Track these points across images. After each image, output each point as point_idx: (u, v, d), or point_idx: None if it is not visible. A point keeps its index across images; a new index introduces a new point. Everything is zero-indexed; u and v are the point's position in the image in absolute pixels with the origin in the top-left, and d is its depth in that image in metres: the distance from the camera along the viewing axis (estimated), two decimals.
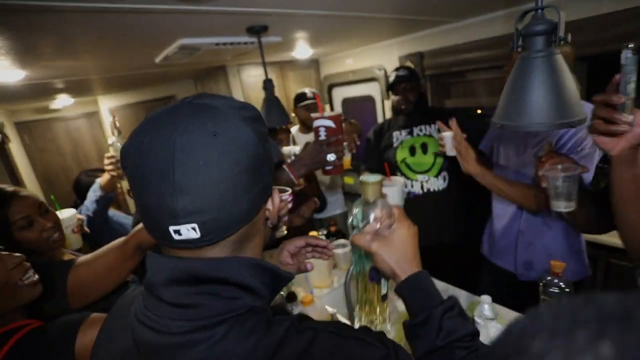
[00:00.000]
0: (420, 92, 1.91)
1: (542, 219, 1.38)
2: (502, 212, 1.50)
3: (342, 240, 1.88)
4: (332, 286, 1.59)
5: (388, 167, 1.34)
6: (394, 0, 1.45)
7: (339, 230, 2.09)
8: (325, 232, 1.98)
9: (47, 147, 4.13)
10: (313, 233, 1.74)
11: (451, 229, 1.94)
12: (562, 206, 0.98)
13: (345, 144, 1.23)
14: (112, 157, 1.53)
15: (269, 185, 0.50)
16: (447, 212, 1.92)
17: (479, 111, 2.37)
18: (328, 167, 1.16)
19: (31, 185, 3.70)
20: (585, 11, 1.60)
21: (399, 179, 1.46)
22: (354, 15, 1.59)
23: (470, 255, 1.78)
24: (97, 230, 1.63)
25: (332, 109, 3.40)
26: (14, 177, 3.27)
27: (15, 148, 3.58)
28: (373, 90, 2.98)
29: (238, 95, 2.89)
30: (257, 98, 2.97)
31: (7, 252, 0.81)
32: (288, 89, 3.14)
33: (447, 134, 1.50)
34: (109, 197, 1.65)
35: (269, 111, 1.55)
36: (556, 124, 0.71)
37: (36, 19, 1.05)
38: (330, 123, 1.13)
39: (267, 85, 1.54)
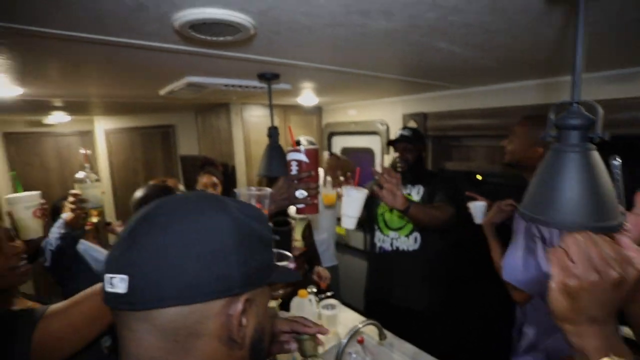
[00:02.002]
0: (419, 155, 1.90)
1: None
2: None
3: (331, 301, 1.75)
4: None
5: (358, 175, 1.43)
6: (401, 63, 1.46)
7: (329, 286, 1.96)
8: (314, 289, 1.85)
9: (31, 161, 3.97)
10: (302, 292, 1.61)
11: (421, 293, 1.89)
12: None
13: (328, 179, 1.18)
14: (77, 195, 1.39)
15: (234, 286, 0.42)
16: (415, 274, 1.88)
17: (479, 177, 2.36)
18: (299, 205, 1.09)
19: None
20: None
21: (364, 189, 1.44)
22: (362, 73, 1.59)
23: (443, 323, 1.81)
24: (65, 267, 1.46)
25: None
26: None
27: None
28: (374, 143, 2.98)
29: (238, 134, 2.85)
30: (256, 138, 2.93)
31: None
32: (289, 135, 3.12)
33: (479, 204, 1.51)
34: (75, 235, 1.48)
35: (271, 159, 1.48)
36: (593, 227, 0.64)
37: (42, 44, 0.99)
38: (303, 157, 1.08)
39: (272, 132, 1.49)
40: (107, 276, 0.40)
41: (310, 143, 2.11)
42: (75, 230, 1.44)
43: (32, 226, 1.24)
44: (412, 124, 2.48)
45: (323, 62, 1.35)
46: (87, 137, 4.24)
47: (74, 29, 0.84)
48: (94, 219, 1.47)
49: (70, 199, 1.37)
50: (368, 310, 2.05)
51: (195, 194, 0.47)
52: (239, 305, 0.43)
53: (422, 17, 0.80)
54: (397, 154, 1.90)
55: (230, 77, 1.55)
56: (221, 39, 0.89)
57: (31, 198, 1.24)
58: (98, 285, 0.84)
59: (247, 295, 0.44)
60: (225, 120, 2.88)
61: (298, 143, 2.22)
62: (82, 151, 1.46)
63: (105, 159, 4.08)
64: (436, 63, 1.38)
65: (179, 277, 0.39)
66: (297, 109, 3.11)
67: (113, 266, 0.41)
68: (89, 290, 0.85)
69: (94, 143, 4.24)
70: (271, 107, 1.53)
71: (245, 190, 1.04)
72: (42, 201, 1.31)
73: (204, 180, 2.14)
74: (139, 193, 1.36)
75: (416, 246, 1.86)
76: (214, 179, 2.22)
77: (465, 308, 2.21)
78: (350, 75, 1.62)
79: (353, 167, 2.38)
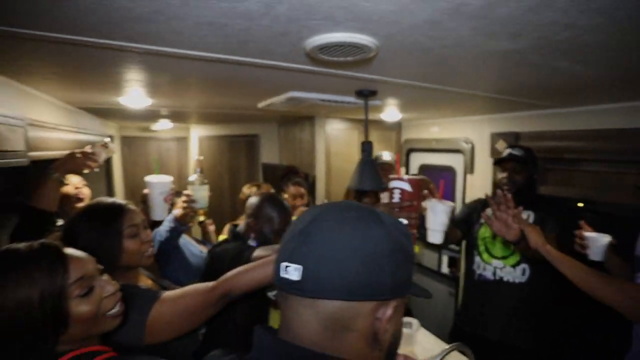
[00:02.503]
0: (530, 177, 1.77)
1: None
2: None
3: (408, 318, 1.72)
4: None
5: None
6: (505, 82, 1.41)
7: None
8: None
9: (139, 162, 4.59)
10: None
11: (527, 330, 1.70)
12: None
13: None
14: (189, 195, 1.54)
15: (385, 293, 0.47)
16: (522, 309, 1.70)
17: (579, 204, 2.14)
18: None
19: (118, 194, 4.09)
20: None
21: (450, 203, 1.39)
22: (456, 91, 1.58)
23: None
24: (166, 256, 1.66)
25: (407, 172, 3.34)
26: (110, 184, 3.63)
27: (116, 158, 4.03)
28: (456, 162, 2.88)
29: (321, 146, 2.98)
30: (336, 151, 3.04)
31: (107, 277, 0.81)
32: None
33: (603, 239, 1.35)
34: (181, 230, 1.64)
35: (363, 173, 1.53)
36: None
37: (180, 64, 1.16)
38: (406, 186, 1.07)
39: (366, 147, 1.54)
40: (283, 264, 0.47)
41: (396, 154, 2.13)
42: (182, 226, 1.64)
43: (161, 209, 1.43)
44: (502, 145, 2.36)
45: (420, 79, 1.38)
46: (182, 142, 4.78)
47: (220, 51, 0.99)
48: (201, 218, 1.65)
49: (183, 198, 1.55)
50: (453, 339, 1.92)
51: (353, 204, 0.53)
52: (389, 311, 0.47)
53: (552, 38, 0.79)
54: (503, 174, 1.77)
55: (328, 92, 1.65)
56: (342, 59, 0.97)
57: (165, 185, 1.42)
58: (201, 285, 0.99)
59: (395, 302, 0.48)
60: (308, 132, 3.03)
61: (379, 158, 2.25)
62: (196, 157, 1.66)
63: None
64: (545, 82, 1.32)
65: (344, 275, 0.45)
66: (377, 124, 3.15)
67: (288, 257, 0.47)
68: (196, 286, 0.99)
69: (188, 148, 4.76)
70: (366, 122, 1.59)
71: None
72: (173, 187, 1.49)
73: (292, 191, 2.25)
74: (253, 199, 1.49)
75: (524, 279, 1.70)
76: (302, 190, 2.31)
77: (578, 350, 1.98)
78: (442, 92, 1.62)
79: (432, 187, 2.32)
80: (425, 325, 2.15)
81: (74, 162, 1.42)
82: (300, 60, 1.04)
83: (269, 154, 3.85)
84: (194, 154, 4.58)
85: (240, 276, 0.96)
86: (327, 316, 0.46)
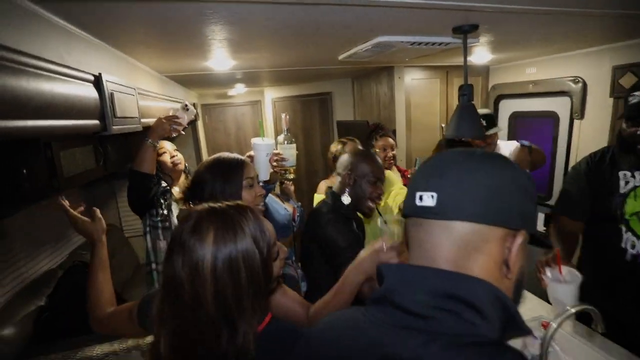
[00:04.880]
0: None
1: None
2: None
3: None
4: None
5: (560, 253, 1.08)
6: None
7: None
8: None
9: (218, 127, 4.88)
10: None
11: None
12: None
13: None
14: (279, 154, 1.55)
15: (513, 221, 0.50)
16: None
17: None
18: None
19: (204, 157, 4.43)
20: None
21: (577, 274, 1.14)
22: (570, 11, 1.29)
23: None
24: None
25: (495, 123, 3.01)
26: (197, 149, 3.93)
27: (199, 125, 4.32)
28: (560, 106, 2.50)
29: (400, 98, 2.82)
30: (417, 102, 2.85)
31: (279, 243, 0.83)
32: (451, 98, 2.92)
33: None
34: (269, 189, 1.66)
35: (462, 119, 1.40)
36: None
37: (238, 12, 1.11)
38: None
39: (466, 90, 1.40)
40: (417, 194, 0.52)
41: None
42: (268, 185, 1.69)
43: (265, 169, 1.49)
44: (630, 79, 1.96)
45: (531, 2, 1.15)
46: (256, 106, 4.93)
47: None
48: (291, 176, 1.68)
49: (274, 157, 1.59)
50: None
51: (477, 150, 0.56)
52: (518, 240, 0.50)
53: None
54: (633, 129, 1.35)
55: (420, 34, 1.49)
56: None
57: (270, 147, 1.47)
58: (302, 307, 1.02)
59: (522, 235, 0.51)
60: (386, 85, 2.87)
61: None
62: (283, 116, 1.65)
63: (272, 124, 4.67)
64: None
65: (477, 201, 0.49)
66: (459, 69, 2.85)
67: (422, 186, 0.52)
68: (295, 306, 1.02)
69: (262, 111, 4.89)
70: (465, 64, 1.42)
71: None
72: (276, 151, 1.54)
73: (380, 143, 2.21)
74: (345, 157, 1.49)
75: None
76: (390, 141, 2.26)
77: None
78: (556, 17, 1.35)
79: (544, 160, 2.03)
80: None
81: (162, 127, 1.56)
82: None
83: (343, 111, 3.77)
84: (269, 116, 4.70)
85: (328, 309, 0.97)
86: (460, 237, 0.49)
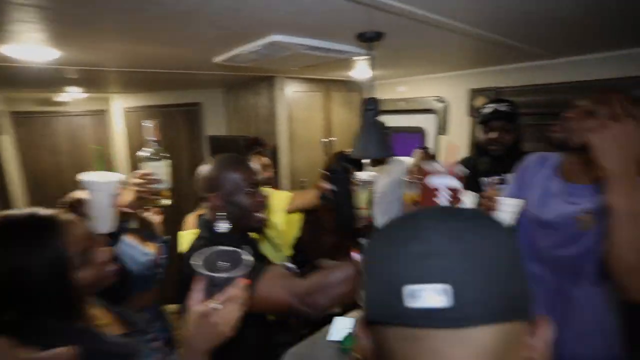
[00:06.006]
0: (518, 136, 1.64)
1: None
2: None
3: None
4: None
5: None
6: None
7: None
8: None
9: (42, 144, 3.67)
10: None
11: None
12: None
13: None
14: (148, 174, 1.14)
15: (528, 308, 0.37)
16: None
17: None
18: None
19: (18, 184, 3.23)
20: None
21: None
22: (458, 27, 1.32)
23: None
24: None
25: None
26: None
27: (7, 141, 3.13)
28: (426, 122, 2.73)
29: (282, 112, 2.59)
30: (298, 116, 2.67)
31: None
32: (331, 111, 2.87)
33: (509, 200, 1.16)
34: (123, 229, 1.18)
35: (369, 137, 1.24)
36: None
37: None
38: (457, 184, 0.81)
39: (372, 105, 1.24)
40: (407, 288, 0.34)
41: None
42: (123, 223, 1.17)
43: (108, 216, 0.99)
44: (481, 101, 2.23)
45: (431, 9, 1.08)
46: (101, 117, 3.94)
47: None
48: (166, 201, 1.22)
49: (137, 180, 1.12)
50: None
51: (452, 207, 0.47)
52: (545, 333, 0.38)
53: None
54: (492, 135, 1.61)
55: (321, 37, 1.28)
56: None
57: (112, 185, 1.00)
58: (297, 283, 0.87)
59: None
60: (266, 96, 2.60)
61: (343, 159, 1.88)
62: (148, 123, 1.19)
63: (125, 139, 3.80)
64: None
65: (504, 290, 0.35)
66: (339, 85, 2.84)
67: (415, 272, 0.34)
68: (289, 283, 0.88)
69: (110, 123, 3.94)
70: (372, 75, 1.27)
71: None
72: (144, 171, 1.10)
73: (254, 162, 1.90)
74: (204, 169, 1.10)
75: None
76: (265, 160, 1.98)
77: None
78: (449, 31, 1.35)
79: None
80: None
81: None
82: None
83: (216, 125, 3.31)
84: (119, 129, 3.81)
85: (326, 292, 0.84)
86: (484, 350, 0.34)
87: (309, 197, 1.60)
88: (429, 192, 0.83)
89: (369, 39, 1.22)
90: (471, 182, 1.57)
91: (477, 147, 1.73)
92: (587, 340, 1.09)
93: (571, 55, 1.82)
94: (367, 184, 1.53)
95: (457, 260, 0.34)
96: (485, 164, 1.68)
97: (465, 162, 1.73)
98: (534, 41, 1.56)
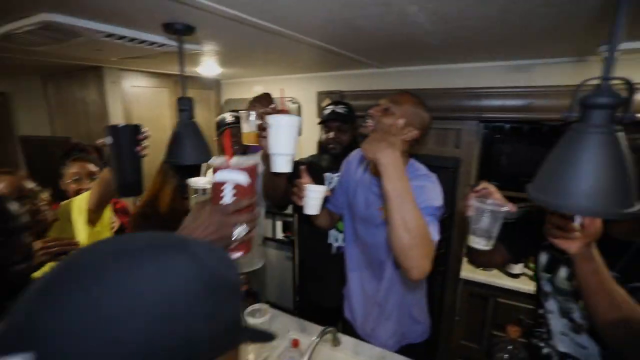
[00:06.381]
0: (353, 136, 1.77)
1: None
2: None
3: (257, 305, 1.46)
4: None
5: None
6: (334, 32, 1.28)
7: (253, 292, 1.70)
8: None
9: None
10: None
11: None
12: (481, 243, 0.92)
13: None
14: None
15: (201, 352, 0.34)
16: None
17: None
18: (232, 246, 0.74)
19: None
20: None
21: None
22: (290, 34, 1.34)
23: None
24: None
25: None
26: None
27: None
28: None
29: (117, 109, 2.23)
30: (141, 116, 2.36)
31: None
32: None
33: (315, 187, 1.18)
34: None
35: (183, 141, 1.13)
36: (614, 213, 0.61)
37: None
38: (242, 178, 0.71)
39: (186, 104, 1.13)
40: None
41: (236, 118, 1.75)
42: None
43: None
44: (327, 102, 2.35)
45: (248, 10, 1.04)
46: None
47: None
48: None
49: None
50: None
51: (143, 234, 0.36)
52: None
53: None
54: (330, 134, 1.70)
55: (119, 23, 1.09)
56: None
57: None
58: None
59: None
60: (95, 90, 2.20)
61: (223, 121, 1.79)
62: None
63: None
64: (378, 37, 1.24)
65: (118, 345, 0.28)
66: (194, 81, 2.62)
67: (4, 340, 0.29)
68: None
69: None
70: (182, 72, 1.15)
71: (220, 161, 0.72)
72: None
73: (73, 170, 1.55)
74: None
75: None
76: (89, 167, 1.61)
77: None
78: (271, 34, 1.33)
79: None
80: (268, 292, 2.01)
81: None
82: None
83: (33, 123, 2.67)
84: None
85: None
86: None
87: (103, 177, 1.26)
88: (216, 190, 0.73)
89: (179, 32, 1.10)
90: (317, 178, 1.67)
91: (320, 145, 1.85)
92: (395, 316, 1.28)
93: (399, 66, 2.07)
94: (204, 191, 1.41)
95: (62, 316, 0.29)
96: (326, 161, 1.78)
97: (312, 159, 1.84)
98: (362, 52, 1.69)
